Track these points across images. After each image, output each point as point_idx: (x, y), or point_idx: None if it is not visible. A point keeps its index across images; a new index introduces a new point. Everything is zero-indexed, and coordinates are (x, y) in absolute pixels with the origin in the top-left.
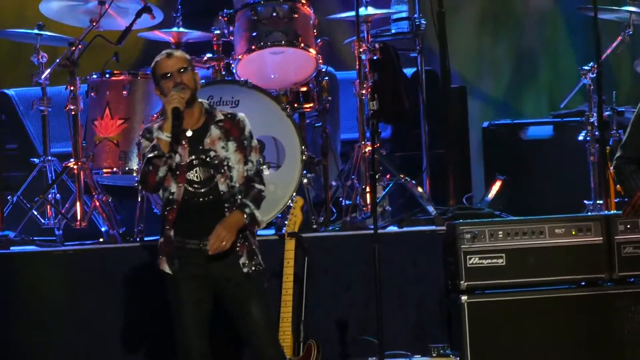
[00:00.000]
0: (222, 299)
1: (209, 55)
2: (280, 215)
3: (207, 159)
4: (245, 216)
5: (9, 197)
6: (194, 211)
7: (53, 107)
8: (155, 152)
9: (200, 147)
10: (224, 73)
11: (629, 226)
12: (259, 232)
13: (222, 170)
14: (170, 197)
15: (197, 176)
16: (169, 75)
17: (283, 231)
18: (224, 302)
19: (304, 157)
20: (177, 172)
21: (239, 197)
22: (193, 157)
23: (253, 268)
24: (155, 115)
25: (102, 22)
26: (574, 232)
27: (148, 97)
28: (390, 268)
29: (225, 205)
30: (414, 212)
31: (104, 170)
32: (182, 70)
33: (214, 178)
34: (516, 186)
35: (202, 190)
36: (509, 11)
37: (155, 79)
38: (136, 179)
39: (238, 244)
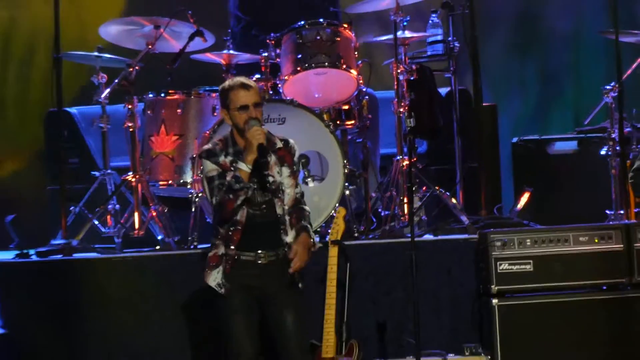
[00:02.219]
0: (266, 307)
1: (257, 76)
2: (324, 224)
3: (267, 184)
4: (312, 241)
5: (72, 208)
6: (251, 229)
7: (112, 124)
8: (240, 184)
9: (260, 172)
10: (271, 92)
11: None
12: None
13: (279, 195)
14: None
15: (255, 198)
16: (245, 107)
17: (327, 239)
18: (265, 310)
19: (346, 171)
20: None
21: (288, 217)
22: (254, 180)
23: (303, 283)
24: (207, 132)
25: (157, 45)
26: (596, 240)
27: (201, 115)
28: (426, 273)
29: (281, 226)
30: (448, 222)
31: (160, 182)
32: (257, 104)
33: (272, 202)
34: (543, 197)
35: (260, 212)
36: (536, 35)
37: (225, 104)
38: (190, 190)
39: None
